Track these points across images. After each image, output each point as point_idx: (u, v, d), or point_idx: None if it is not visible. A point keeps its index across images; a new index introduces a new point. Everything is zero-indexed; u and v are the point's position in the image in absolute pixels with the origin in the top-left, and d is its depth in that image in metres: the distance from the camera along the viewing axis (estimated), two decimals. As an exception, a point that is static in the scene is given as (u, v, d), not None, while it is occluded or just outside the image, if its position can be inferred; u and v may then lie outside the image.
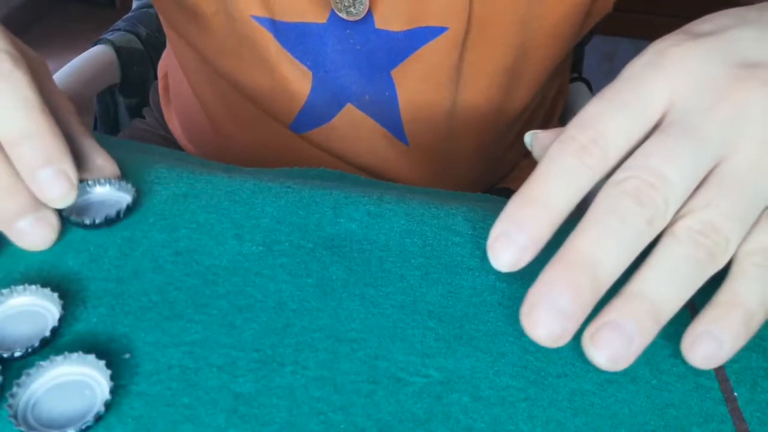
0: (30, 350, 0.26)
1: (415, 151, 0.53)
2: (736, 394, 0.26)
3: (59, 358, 0.25)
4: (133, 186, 0.33)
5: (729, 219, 0.25)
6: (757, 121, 0.25)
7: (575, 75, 0.78)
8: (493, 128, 0.54)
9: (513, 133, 0.58)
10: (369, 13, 0.46)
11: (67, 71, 0.69)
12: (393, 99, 0.50)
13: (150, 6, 0.79)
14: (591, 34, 0.71)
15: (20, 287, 0.28)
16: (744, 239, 0.25)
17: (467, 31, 0.46)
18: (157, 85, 0.71)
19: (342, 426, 0.25)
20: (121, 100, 0.76)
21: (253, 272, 0.30)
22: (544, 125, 0.66)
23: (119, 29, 0.75)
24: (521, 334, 0.28)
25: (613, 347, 0.24)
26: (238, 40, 0.49)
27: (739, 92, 0.26)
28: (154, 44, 0.76)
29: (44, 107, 0.29)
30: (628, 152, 0.26)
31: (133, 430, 0.24)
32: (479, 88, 0.50)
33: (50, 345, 0.27)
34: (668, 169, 0.25)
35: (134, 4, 0.82)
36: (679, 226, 0.25)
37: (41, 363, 0.25)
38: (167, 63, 0.67)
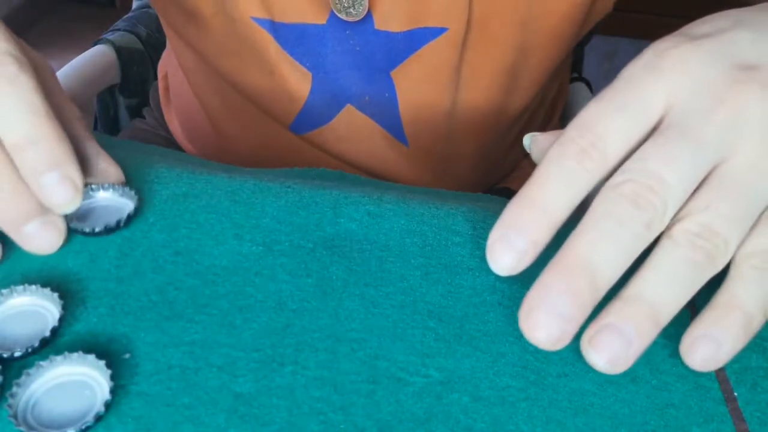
0: (30, 350, 0.26)
1: (414, 151, 0.53)
2: (736, 394, 0.26)
3: (59, 358, 0.25)
4: (136, 193, 0.32)
5: (727, 221, 0.25)
6: (756, 123, 0.25)
7: (575, 75, 0.78)
8: (493, 129, 0.54)
9: (513, 134, 0.58)
10: (369, 14, 0.46)
11: (67, 71, 0.69)
12: (393, 100, 0.50)
13: (150, 6, 0.79)
14: (591, 34, 0.71)
15: (20, 287, 0.28)
16: (743, 241, 0.25)
17: (467, 32, 0.46)
18: (157, 85, 0.71)
19: (342, 426, 0.25)
20: (121, 100, 0.76)
21: (253, 272, 0.30)
22: (544, 125, 0.66)
23: (119, 29, 0.75)
24: (521, 334, 0.28)
25: (612, 350, 0.24)
26: (238, 41, 0.49)
27: (738, 94, 0.26)
28: (154, 44, 0.76)
29: (50, 111, 0.29)
30: (626, 155, 0.26)
31: (133, 430, 0.24)
32: (479, 89, 0.50)
33: (50, 345, 0.27)
34: (666, 171, 0.25)
35: (134, 4, 0.82)
36: (678, 229, 0.25)
37: (41, 363, 0.25)
38: (167, 63, 0.67)
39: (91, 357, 0.25)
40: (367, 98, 0.50)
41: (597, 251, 0.24)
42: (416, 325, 0.28)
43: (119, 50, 0.73)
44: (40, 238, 0.29)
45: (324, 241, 0.32)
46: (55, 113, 0.30)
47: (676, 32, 0.28)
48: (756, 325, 0.25)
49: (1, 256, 0.30)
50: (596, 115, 0.26)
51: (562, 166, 0.26)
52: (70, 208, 0.29)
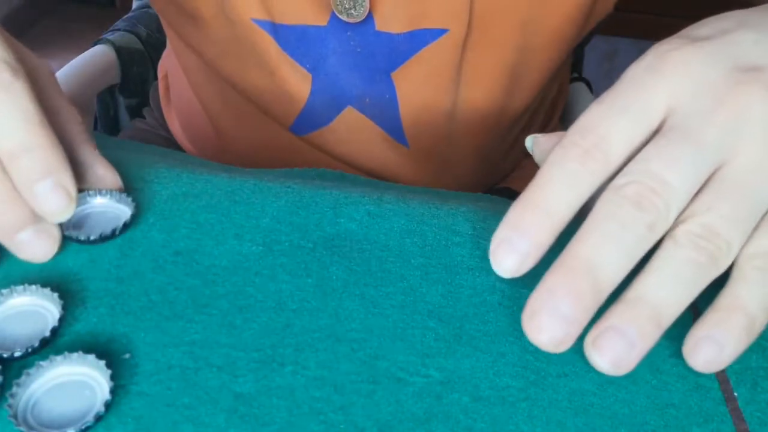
0: (30, 350, 0.26)
1: (415, 153, 0.53)
2: (736, 394, 0.26)
3: (59, 358, 0.25)
4: (133, 200, 0.32)
5: (730, 223, 0.25)
6: (758, 124, 0.25)
7: (575, 75, 0.78)
8: (493, 129, 0.54)
9: (513, 134, 0.58)
10: (369, 15, 0.46)
11: (67, 71, 0.69)
12: (393, 101, 0.50)
13: (150, 6, 0.79)
14: (591, 34, 0.71)
15: (20, 287, 0.28)
16: (745, 243, 0.25)
17: (468, 33, 0.46)
18: (157, 85, 0.71)
19: (342, 426, 0.25)
20: (121, 100, 0.76)
21: (253, 272, 0.30)
22: (545, 125, 0.66)
23: (119, 29, 0.75)
24: (521, 334, 0.28)
25: (615, 352, 0.24)
26: (238, 43, 0.49)
27: (740, 96, 0.26)
28: (154, 44, 0.76)
29: (43, 119, 0.29)
30: (628, 157, 0.26)
31: (133, 430, 0.24)
32: (480, 90, 0.50)
33: (50, 345, 0.27)
34: (669, 173, 0.25)
35: (134, 4, 0.82)
36: (680, 231, 0.25)
37: (41, 363, 0.25)
38: (167, 63, 0.67)
39: (91, 357, 0.25)
40: (367, 100, 0.50)
41: (600, 253, 0.24)
42: (416, 325, 0.28)
43: (119, 50, 0.73)
44: (34, 246, 0.29)
45: (324, 241, 0.32)
46: (52, 117, 0.30)
47: (678, 34, 0.28)
48: (759, 327, 0.25)
49: None
50: (598, 117, 0.26)
51: (564, 168, 0.26)
52: (64, 216, 0.29)
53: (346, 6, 0.45)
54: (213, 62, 0.53)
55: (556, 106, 0.68)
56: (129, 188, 0.34)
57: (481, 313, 0.29)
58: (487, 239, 0.32)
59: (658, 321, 0.24)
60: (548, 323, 0.24)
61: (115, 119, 0.76)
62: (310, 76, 0.49)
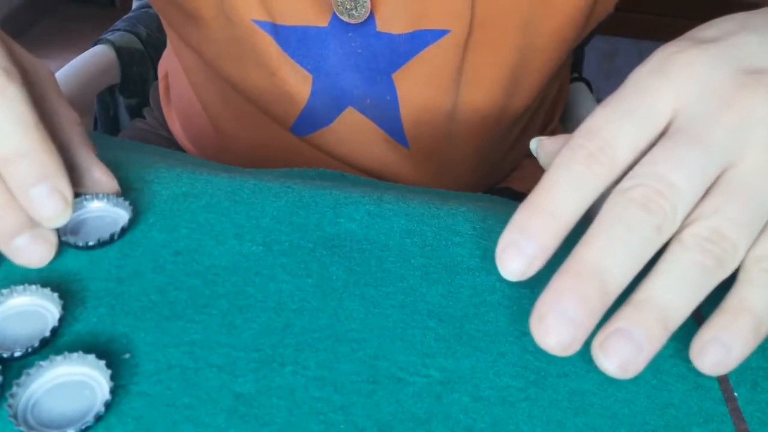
0: (30, 350, 0.26)
1: (415, 153, 0.53)
2: (736, 394, 0.26)
3: (59, 358, 0.25)
4: (131, 204, 0.32)
5: (737, 225, 0.25)
6: (763, 127, 0.25)
7: (575, 75, 0.78)
8: (494, 130, 0.54)
9: (514, 134, 0.58)
10: (371, 16, 0.46)
11: (67, 71, 0.69)
12: (394, 102, 0.50)
13: (150, 6, 0.79)
14: (591, 34, 0.71)
15: (20, 287, 0.28)
16: (752, 245, 0.25)
17: (469, 34, 0.46)
18: (157, 85, 0.71)
19: (342, 426, 0.25)
20: (121, 100, 0.76)
21: (253, 272, 0.30)
22: (545, 126, 0.66)
23: (119, 29, 0.75)
24: (521, 334, 0.28)
25: (623, 355, 0.24)
26: (238, 44, 0.49)
27: (745, 98, 0.26)
28: (154, 44, 0.76)
29: (39, 122, 0.28)
30: (634, 160, 0.26)
31: (133, 430, 0.24)
32: (481, 91, 0.50)
33: (50, 345, 0.27)
34: (675, 176, 0.25)
35: (134, 4, 0.82)
36: (687, 233, 0.25)
37: (41, 363, 0.25)
38: (168, 63, 0.67)
39: (91, 357, 0.25)
40: (368, 101, 0.50)
41: (607, 256, 0.24)
42: (416, 325, 0.28)
43: (119, 50, 0.73)
44: (31, 252, 0.29)
45: (324, 241, 0.32)
46: (49, 120, 0.30)
47: (682, 36, 0.28)
48: (766, 329, 0.25)
49: None
50: (604, 120, 0.26)
51: (570, 170, 0.26)
52: (60, 221, 0.29)
53: (348, 7, 0.45)
54: (213, 62, 0.53)
55: (556, 106, 0.68)
56: (129, 188, 0.34)
57: (481, 313, 0.29)
58: (488, 239, 0.32)
59: (666, 324, 0.24)
60: (555, 326, 0.24)
61: (115, 119, 0.76)
62: (310, 76, 0.49)
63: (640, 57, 0.29)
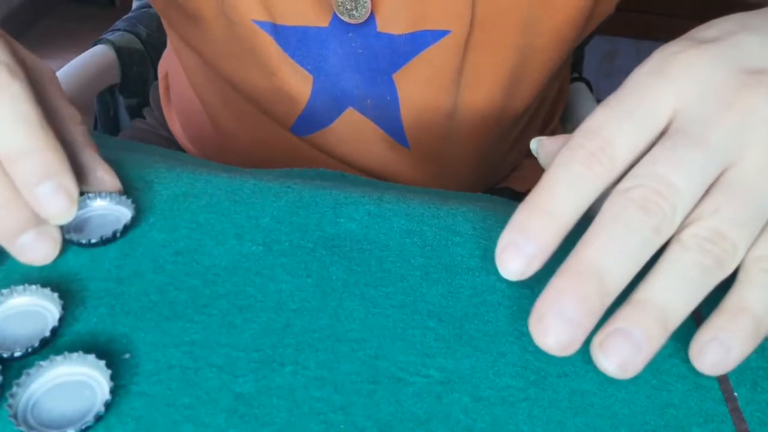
0: (30, 350, 0.26)
1: (415, 154, 0.53)
2: (736, 394, 0.26)
3: (59, 358, 0.25)
4: (133, 202, 0.32)
5: (736, 225, 0.25)
6: (763, 127, 0.25)
7: (575, 75, 0.78)
8: (494, 130, 0.54)
9: (514, 135, 0.58)
10: (371, 16, 0.46)
11: (67, 71, 0.69)
12: (394, 102, 0.50)
13: (150, 6, 0.79)
14: (592, 34, 0.71)
15: (20, 287, 0.28)
16: (752, 245, 0.25)
17: (469, 34, 0.46)
18: (157, 85, 0.71)
19: (342, 426, 0.25)
20: (121, 100, 0.76)
21: (253, 272, 0.30)
22: (545, 126, 0.66)
23: (119, 29, 0.75)
24: (521, 334, 0.28)
25: (622, 355, 0.24)
26: (239, 44, 0.49)
27: (745, 99, 0.26)
28: (154, 44, 0.76)
29: (43, 121, 0.29)
30: (634, 160, 0.26)
31: (133, 430, 0.24)
32: (481, 91, 0.50)
33: (50, 345, 0.27)
34: (675, 176, 0.25)
35: (134, 4, 0.82)
36: (687, 234, 0.25)
37: (41, 363, 0.25)
38: (168, 63, 0.67)
39: (91, 357, 0.25)
40: (368, 101, 0.50)
41: (606, 256, 0.24)
42: (416, 325, 0.28)
43: (119, 50, 0.73)
44: (36, 249, 0.29)
45: (324, 241, 0.32)
46: (52, 119, 0.30)
47: (682, 36, 0.28)
48: (765, 329, 0.25)
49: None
50: (604, 120, 0.26)
51: (570, 170, 0.26)
52: (66, 218, 0.29)
53: (348, 7, 0.45)
54: (213, 62, 0.53)
55: (556, 106, 0.68)
56: (129, 188, 0.34)
57: (481, 313, 0.29)
58: (488, 239, 0.32)
59: (665, 324, 0.24)
60: (555, 326, 0.24)
61: (115, 119, 0.76)
62: (311, 77, 0.49)
63: (640, 57, 0.29)
